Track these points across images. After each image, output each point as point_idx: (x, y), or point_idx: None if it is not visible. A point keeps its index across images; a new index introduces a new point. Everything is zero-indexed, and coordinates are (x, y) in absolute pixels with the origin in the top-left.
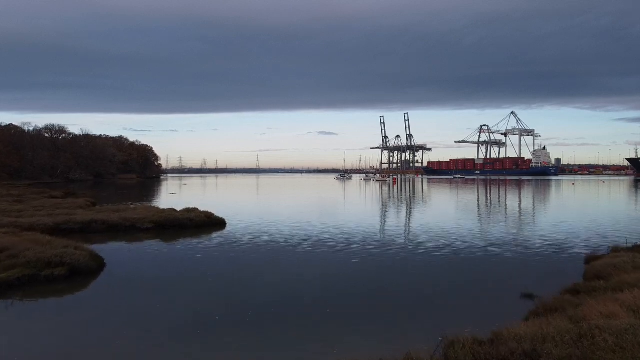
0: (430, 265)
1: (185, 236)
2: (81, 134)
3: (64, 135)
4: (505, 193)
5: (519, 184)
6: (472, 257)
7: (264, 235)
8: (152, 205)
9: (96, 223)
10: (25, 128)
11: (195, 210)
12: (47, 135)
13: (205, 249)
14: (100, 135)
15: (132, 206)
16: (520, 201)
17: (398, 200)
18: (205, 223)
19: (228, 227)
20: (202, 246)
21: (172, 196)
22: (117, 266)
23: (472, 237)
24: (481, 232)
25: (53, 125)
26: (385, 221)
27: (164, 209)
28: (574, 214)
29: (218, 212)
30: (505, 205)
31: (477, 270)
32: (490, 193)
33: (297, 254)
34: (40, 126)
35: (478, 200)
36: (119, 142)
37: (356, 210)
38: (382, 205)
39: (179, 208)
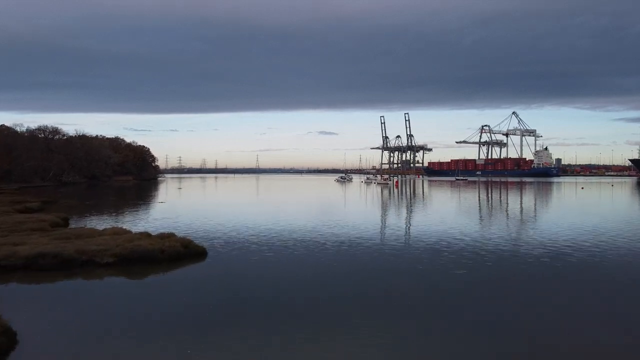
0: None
1: (153, 273)
2: (76, 134)
3: (57, 136)
4: (517, 199)
5: (522, 186)
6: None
7: (251, 274)
8: (128, 222)
9: (44, 258)
10: (18, 129)
11: (170, 237)
12: (40, 136)
13: (173, 302)
14: (97, 135)
15: (100, 229)
16: (541, 211)
17: (401, 207)
18: (181, 255)
19: (209, 259)
20: (170, 298)
21: (160, 206)
22: (32, 345)
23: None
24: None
25: (46, 126)
26: (393, 242)
27: (133, 236)
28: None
29: (202, 233)
30: (532, 217)
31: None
32: (502, 199)
33: (294, 308)
34: (34, 127)
35: (494, 211)
36: (115, 143)
37: (361, 225)
38: (385, 216)
39: (161, 224)
